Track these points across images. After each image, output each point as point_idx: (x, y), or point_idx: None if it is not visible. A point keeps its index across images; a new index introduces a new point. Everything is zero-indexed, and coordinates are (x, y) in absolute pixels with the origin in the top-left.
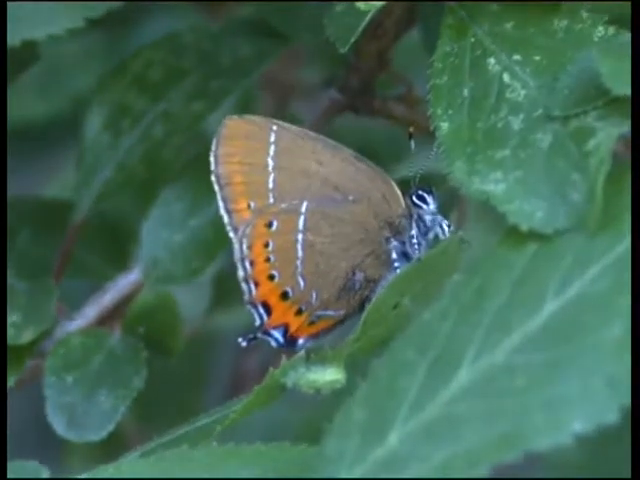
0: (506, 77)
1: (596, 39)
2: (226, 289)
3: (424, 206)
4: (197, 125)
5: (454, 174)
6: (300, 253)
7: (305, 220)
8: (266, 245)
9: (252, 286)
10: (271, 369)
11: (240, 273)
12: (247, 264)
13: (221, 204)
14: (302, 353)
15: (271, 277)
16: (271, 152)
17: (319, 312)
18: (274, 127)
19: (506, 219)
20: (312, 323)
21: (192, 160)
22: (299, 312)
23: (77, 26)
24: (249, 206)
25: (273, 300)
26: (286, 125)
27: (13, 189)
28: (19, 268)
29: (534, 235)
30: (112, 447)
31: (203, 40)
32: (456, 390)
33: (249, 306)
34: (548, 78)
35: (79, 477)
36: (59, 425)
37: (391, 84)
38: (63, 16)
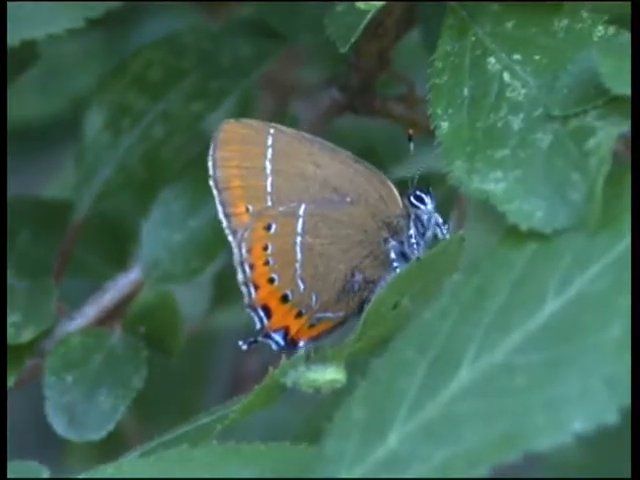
0: (506, 76)
1: (596, 39)
2: (226, 288)
3: (422, 206)
4: (197, 125)
5: (454, 173)
6: (299, 256)
7: (304, 222)
8: (265, 248)
9: (252, 289)
10: (271, 369)
11: (240, 276)
12: (246, 267)
13: (219, 208)
14: (302, 352)
15: (271, 280)
16: (268, 155)
17: (319, 314)
18: (271, 130)
19: (506, 219)
20: (312, 326)
21: (192, 160)
22: (299, 315)
23: (77, 26)
24: (247, 209)
25: (273, 303)
26: (283, 128)
27: (13, 189)
28: (19, 268)
29: (534, 235)
30: (112, 447)
31: (203, 40)
32: (456, 390)
33: (249, 310)
34: (548, 77)
35: (79, 477)
36: (59, 425)
37: (391, 84)
38: (63, 16)
